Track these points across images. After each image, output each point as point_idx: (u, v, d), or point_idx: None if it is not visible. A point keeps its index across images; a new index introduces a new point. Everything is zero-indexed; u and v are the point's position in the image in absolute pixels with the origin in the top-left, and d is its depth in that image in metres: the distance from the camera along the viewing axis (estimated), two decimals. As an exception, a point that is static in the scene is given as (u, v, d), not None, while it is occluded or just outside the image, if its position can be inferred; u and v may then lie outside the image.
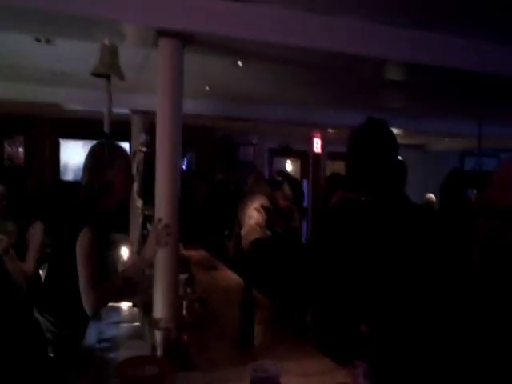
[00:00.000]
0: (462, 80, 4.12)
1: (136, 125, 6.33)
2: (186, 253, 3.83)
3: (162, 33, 2.44)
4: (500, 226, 0.87)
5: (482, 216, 0.94)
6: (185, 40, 2.49)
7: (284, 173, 4.16)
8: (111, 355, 2.06)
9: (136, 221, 4.17)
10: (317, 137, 8.83)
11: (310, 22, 3.05)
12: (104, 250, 2.31)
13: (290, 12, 2.94)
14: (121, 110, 5.70)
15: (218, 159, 6.78)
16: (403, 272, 1.68)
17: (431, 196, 6.69)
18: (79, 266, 2.15)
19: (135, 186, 3.37)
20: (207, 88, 5.72)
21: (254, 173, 4.79)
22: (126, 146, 7.57)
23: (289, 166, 11.39)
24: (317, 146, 8.86)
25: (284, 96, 6.29)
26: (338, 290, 1.83)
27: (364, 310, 1.72)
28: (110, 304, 2.56)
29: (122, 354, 2.00)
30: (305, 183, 9.22)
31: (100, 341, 2.25)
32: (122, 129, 4.47)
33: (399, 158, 1.99)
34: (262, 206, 3.67)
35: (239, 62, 4.35)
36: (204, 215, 5.53)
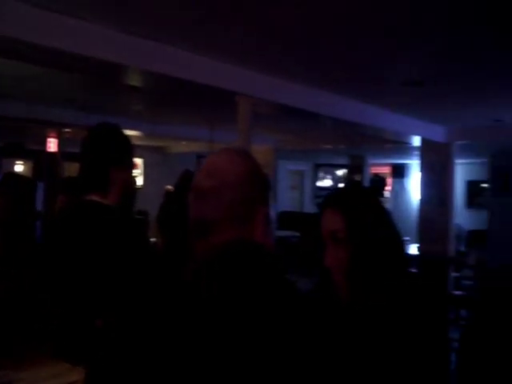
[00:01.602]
0: (193, 90, 4.46)
1: None
2: None
3: None
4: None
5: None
6: None
7: (13, 175, 3.77)
8: None
9: None
10: (52, 136, 8.30)
11: (46, 20, 2.90)
12: None
13: (26, 7, 2.76)
14: None
15: None
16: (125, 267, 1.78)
17: (170, 187, 6.86)
18: None
19: None
20: None
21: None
22: None
23: (20, 167, 10.41)
24: (52, 145, 8.33)
25: (14, 91, 5.74)
26: (72, 287, 1.81)
27: (98, 306, 1.73)
28: None
29: None
30: (40, 186, 8.56)
31: None
32: None
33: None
34: None
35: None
36: None
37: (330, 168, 14.04)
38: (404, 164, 13.19)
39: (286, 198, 12.47)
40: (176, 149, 11.03)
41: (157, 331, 0.99)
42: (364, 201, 1.44)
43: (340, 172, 13.55)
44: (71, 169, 8.23)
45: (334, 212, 1.39)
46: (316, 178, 14.21)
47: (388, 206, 13.65)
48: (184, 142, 10.16)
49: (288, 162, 12.61)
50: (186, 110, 6.75)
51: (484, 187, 11.49)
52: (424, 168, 7.74)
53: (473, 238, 11.42)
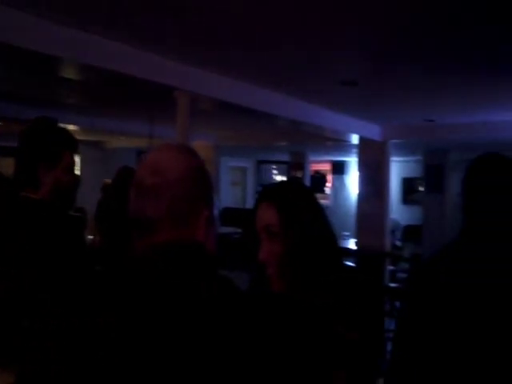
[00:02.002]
0: (132, 84, 4.38)
1: None
2: None
3: None
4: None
5: None
6: None
7: None
8: None
9: None
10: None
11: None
12: None
13: None
14: None
15: None
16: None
17: (108, 180, 6.65)
18: None
19: None
20: None
21: None
22: None
23: None
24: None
25: None
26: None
27: (24, 305, 1.68)
28: None
29: None
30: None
31: None
32: None
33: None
34: None
35: None
36: None
37: (272, 165, 14.20)
38: (344, 161, 13.53)
39: (228, 195, 12.50)
40: (115, 144, 10.77)
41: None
42: (299, 196, 1.45)
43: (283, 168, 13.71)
44: (4, 164, 7.86)
45: (269, 206, 1.40)
46: (258, 175, 14.32)
47: (328, 202, 13.96)
48: (123, 137, 9.95)
49: (230, 158, 12.62)
50: (125, 105, 6.60)
51: (419, 184, 11.98)
52: (361, 165, 7.97)
53: (408, 232, 11.89)
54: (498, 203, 1.55)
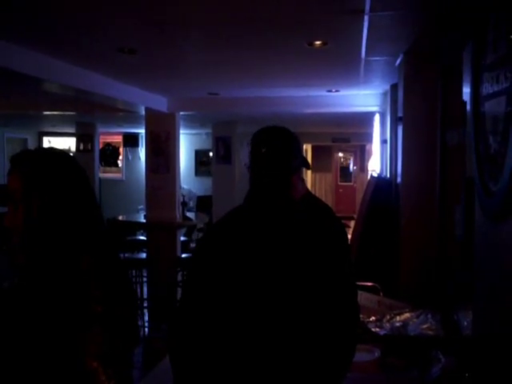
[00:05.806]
0: None
1: None
2: None
3: None
4: None
5: None
6: None
7: None
8: None
9: None
10: None
11: None
12: None
13: None
14: None
15: None
16: None
17: None
18: None
19: None
20: None
21: None
22: None
23: None
24: None
25: None
26: None
27: None
28: None
29: None
30: None
31: None
32: None
33: None
34: None
35: None
36: None
37: (56, 136, 13.17)
38: (137, 133, 13.25)
39: (4, 170, 11.21)
40: None
41: None
42: (47, 164, 1.42)
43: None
44: None
45: (14, 172, 1.41)
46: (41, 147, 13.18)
47: (121, 176, 13.61)
48: None
49: (6, 129, 11.34)
50: None
51: (209, 156, 12.42)
52: (149, 137, 7.87)
53: (201, 202, 12.31)
54: (271, 172, 1.75)
